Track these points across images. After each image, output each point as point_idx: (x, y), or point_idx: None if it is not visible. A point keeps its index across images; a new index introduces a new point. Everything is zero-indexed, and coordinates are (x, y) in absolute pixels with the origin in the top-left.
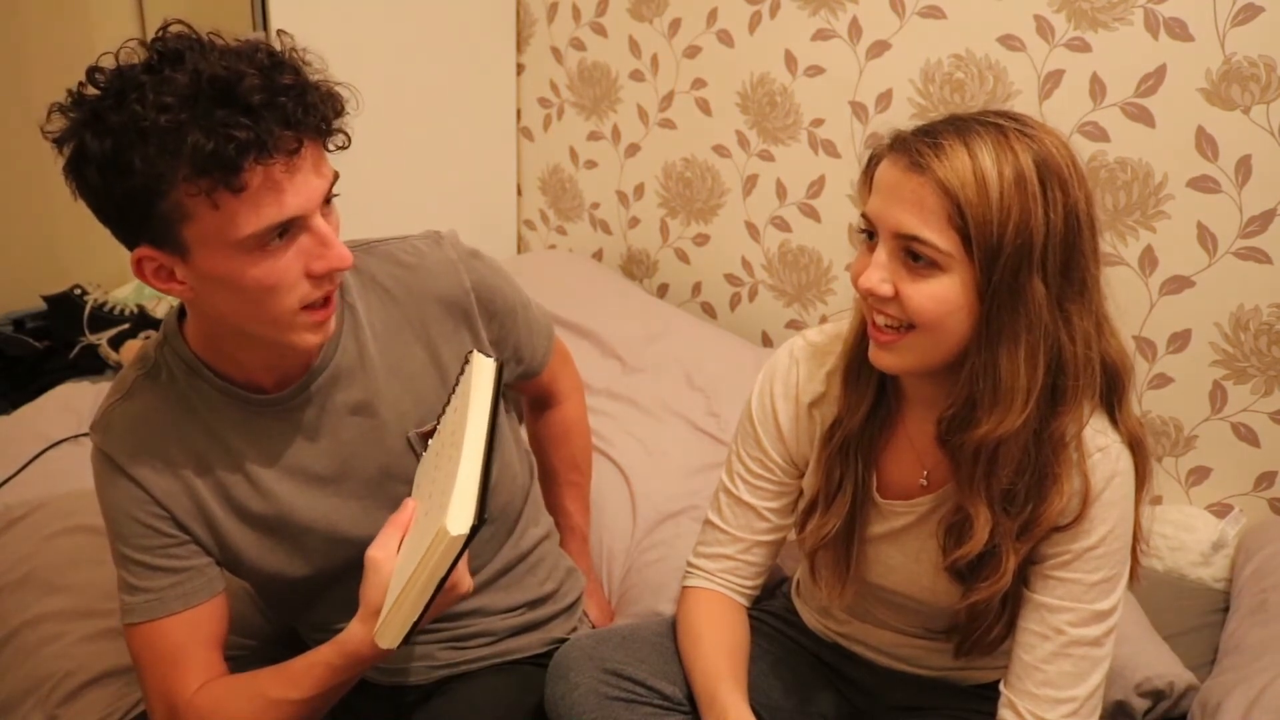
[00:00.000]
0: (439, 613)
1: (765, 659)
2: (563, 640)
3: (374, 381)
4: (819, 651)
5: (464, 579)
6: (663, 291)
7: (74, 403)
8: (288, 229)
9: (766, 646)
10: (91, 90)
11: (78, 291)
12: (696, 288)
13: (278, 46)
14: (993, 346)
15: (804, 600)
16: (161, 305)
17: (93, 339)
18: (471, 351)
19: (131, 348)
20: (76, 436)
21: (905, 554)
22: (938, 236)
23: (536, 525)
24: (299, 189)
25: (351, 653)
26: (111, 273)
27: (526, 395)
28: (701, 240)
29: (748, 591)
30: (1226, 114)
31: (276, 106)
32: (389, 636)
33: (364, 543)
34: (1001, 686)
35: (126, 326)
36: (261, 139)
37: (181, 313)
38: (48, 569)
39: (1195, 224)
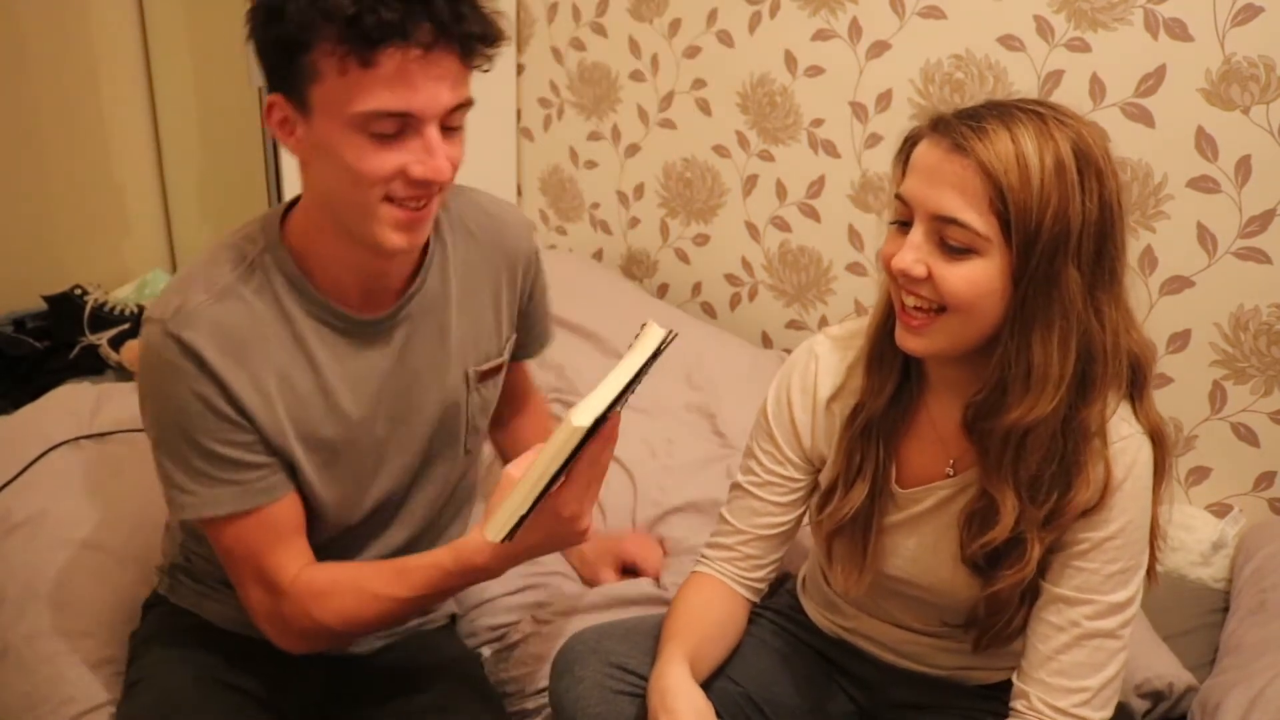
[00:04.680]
0: (554, 540)
1: (770, 655)
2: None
3: (449, 316)
4: (824, 649)
5: (585, 517)
6: (663, 291)
7: (75, 403)
8: (403, 126)
9: (771, 643)
10: None
11: (78, 291)
12: (696, 288)
13: None
14: (1026, 332)
15: (809, 596)
16: None
17: (93, 339)
18: (647, 322)
19: (132, 348)
20: (78, 439)
21: (923, 543)
22: (978, 219)
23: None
24: (424, 88)
25: (465, 558)
26: (111, 273)
27: (507, 396)
28: (701, 240)
29: (749, 583)
30: (1226, 114)
31: (428, 2)
32: (495, 529)
33: (395, 487)
34: (1014, 677)
35: (126, 326)
36: (403, 25)
37: (285, 211)
38: (49, 583)
39: (1195, 224)
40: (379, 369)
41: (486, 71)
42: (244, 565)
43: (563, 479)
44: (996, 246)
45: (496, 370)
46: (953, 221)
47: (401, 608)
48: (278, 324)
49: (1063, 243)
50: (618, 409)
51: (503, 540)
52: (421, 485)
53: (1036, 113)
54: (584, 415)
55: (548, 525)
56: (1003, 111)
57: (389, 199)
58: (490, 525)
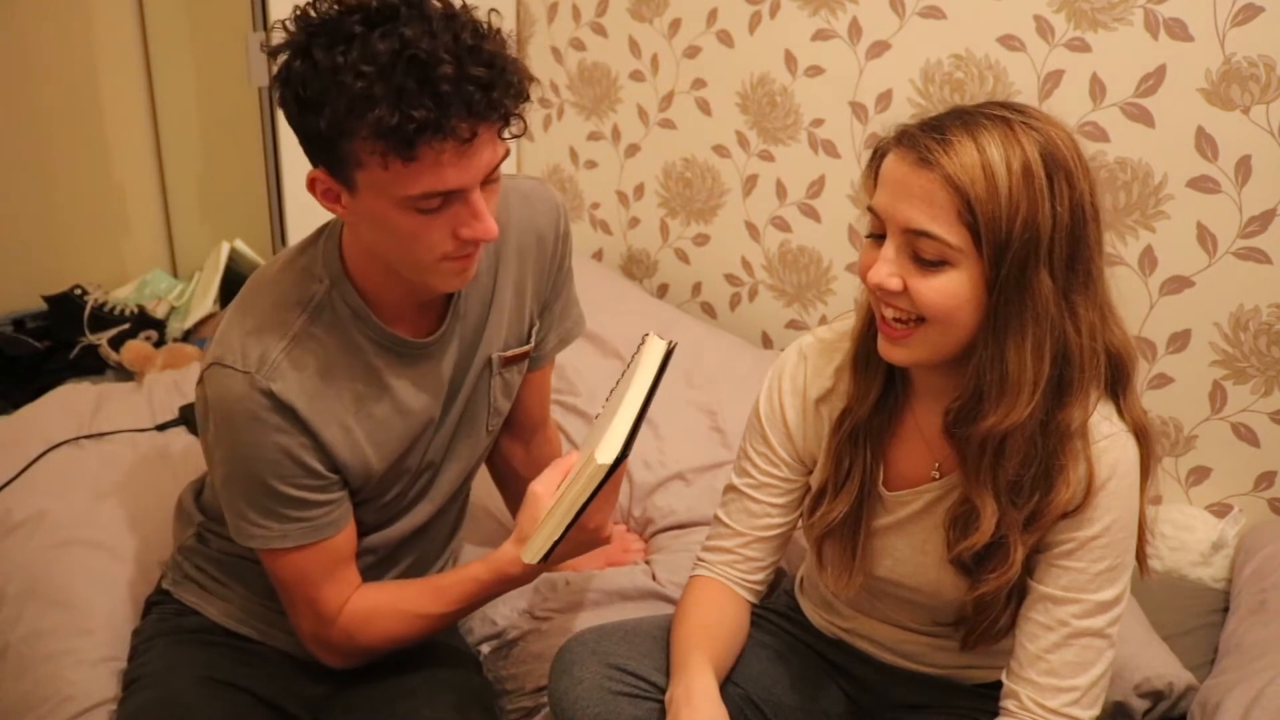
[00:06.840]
0: (581, 549)
1: (768, 655)
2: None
3: (483, 307)
4: (822, 649)
5: (606, 526)
6: (663, 291)
7: (75, 403)
8: (447, 197)
9: (770, 643)
10: (313, 13)
11: (78, 291)
12: (696, 288)
13: (486, 23)
14: (1000, 339)
15: (807, 597)
16: (161, 306)
17: (93, 339)
18: (648, 334)
19: (131, 348)
20: (78, 439)
21: (911, 545)
22: (947, 232)
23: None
24: (464, 168)
25: (500, 570)
26: (111, 273)
27: (519, 420)
28: (701, 240)
29: (750, 585)
30: (1226, 114)
31: (463, 95)
32: (532, 553)
33: (431, 459)
34: (1003, 676)
35: (126, 326)
36: (440, 122)
37: (340, 251)
38: (48, 582)
39: (1195, 224)
40: (436, 374)
41: (518, 136)
42: (297, 593)
43: (589, 506)
44: (968, 257)
45: (521, 357)
46: (923, 234)
47: (440, 622)
48: (349, 357)
49: (1033, 249)
50: (635, 436)
51: (538, 563)
52: (450, 462)
53: (1003, 118)
54: (606, 452)
55: (575, 538)
56: (968, 120)
57: (445, 258)
58: (526, 549)
